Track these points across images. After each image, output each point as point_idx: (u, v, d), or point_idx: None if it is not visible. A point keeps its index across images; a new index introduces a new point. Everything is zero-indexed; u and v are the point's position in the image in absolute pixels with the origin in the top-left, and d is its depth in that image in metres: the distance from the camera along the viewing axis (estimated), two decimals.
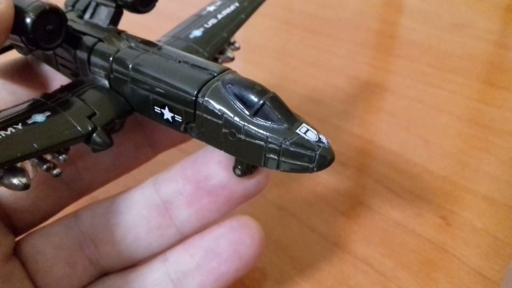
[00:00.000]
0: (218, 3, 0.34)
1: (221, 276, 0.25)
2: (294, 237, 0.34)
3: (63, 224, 0.26)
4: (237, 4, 0.33)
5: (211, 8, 0.33)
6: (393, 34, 0.69)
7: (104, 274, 0.27)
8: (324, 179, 0.38)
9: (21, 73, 0.30)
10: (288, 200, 0.37)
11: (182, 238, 0.27)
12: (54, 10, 0.24)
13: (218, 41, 0.31)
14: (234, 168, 0.25)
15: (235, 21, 0.32)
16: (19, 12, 0.23)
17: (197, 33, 0.31)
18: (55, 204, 0.27)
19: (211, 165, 0.26)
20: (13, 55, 0.30)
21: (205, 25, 0.31)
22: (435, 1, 0.77)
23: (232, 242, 0.25)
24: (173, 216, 0.26)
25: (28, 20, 0.23)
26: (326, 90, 0.52)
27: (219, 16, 0.32)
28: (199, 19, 0.32)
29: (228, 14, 0.32)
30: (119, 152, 0.28)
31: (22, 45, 0.24)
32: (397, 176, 0.39)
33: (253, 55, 0.58)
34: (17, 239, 0.26)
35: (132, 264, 0.27)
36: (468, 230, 0.34)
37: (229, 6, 0.33)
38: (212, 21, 0.32)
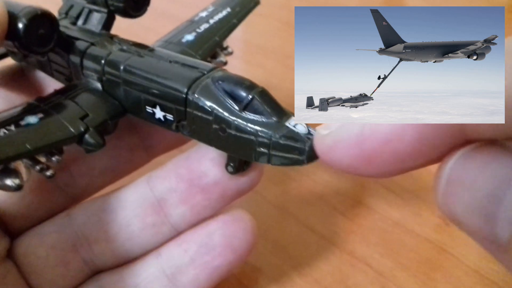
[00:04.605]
0: (211, 9, 0.34)
1: (215, 269, 0.25)
2: (293, 236, 0.34)
3: (56, 223, 0.26)
4: (229, 9, 0.34)
5: (204, 14, 0.34)
6: None
7: (98, 272, 0.26)
8: (323, 178, 0.38)
9: (15, 80, 0.31)
10: (286, 199, 0.37)
11: (177, 235, 0.27)
12: (45, 15, 0.24)
13: (210, 44, 0.31)
14: (227, 165, 0.25)
15: (227, 25, 0.33)
16: (11, 18, 0.23)
17: (189, 37, 0.31)
18: (49, 209, 0.27)
19: (204, 162, 0.26)
20: (7, 61, 0.30)
21: (197, 30, 0.32)
22: (436, 1, 0.78)
23: (225, 236, 0.25)
24: (167, 214, 0.26)
25: (20, 25, 0.23)
26: None
27: (211, 21, 0.33)
28: (191, 24, 0.33)
29: (220, 19, 0.33)
30: (113, 157, 0.28)
31: (15, 50, 0.24)
32: (396, 176, 0.38)
33: (253, 56, 0.58)
34: None
35: (126, 262, 0.27)
36: None
37: (221, 11, 0.34)
38: (204, 26, 0.32)
